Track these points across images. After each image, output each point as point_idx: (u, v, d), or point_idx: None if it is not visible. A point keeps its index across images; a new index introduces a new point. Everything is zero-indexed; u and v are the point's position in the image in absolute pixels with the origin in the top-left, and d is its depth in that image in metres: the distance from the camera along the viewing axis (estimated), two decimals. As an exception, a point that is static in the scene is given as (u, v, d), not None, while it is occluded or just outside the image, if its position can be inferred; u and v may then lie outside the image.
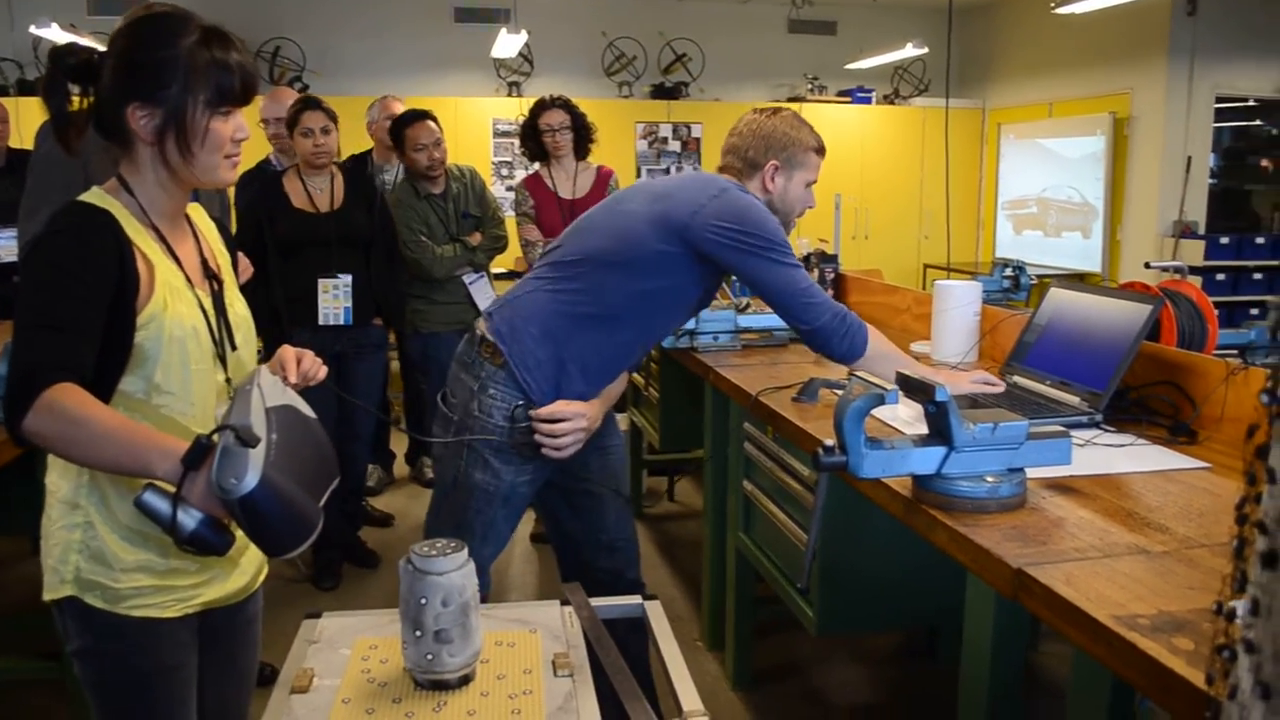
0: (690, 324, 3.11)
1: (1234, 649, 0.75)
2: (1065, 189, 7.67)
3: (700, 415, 3.17)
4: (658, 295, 2.14)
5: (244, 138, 1.47)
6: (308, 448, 1.42)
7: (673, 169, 7.75)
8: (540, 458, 2.15)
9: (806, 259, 4.17)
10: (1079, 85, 7.54)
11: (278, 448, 1.30)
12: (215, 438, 1.26)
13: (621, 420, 4.61)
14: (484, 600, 1.94)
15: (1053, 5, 5.71)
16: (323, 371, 1.60)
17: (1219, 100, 6.96)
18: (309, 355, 1.59)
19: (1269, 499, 0.63)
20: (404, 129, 3.99)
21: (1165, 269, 3.46)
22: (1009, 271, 3.96)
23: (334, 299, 3.60)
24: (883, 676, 3.17)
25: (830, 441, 1.61)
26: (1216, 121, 7.00)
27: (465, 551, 1.38)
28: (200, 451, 1.26)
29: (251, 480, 1.23)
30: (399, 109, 4.42)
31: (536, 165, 4.15)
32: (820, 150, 2.36)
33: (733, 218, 2.10)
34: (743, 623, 3.01)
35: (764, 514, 2.60)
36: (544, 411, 2.10)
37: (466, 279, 4.10)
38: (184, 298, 1.47)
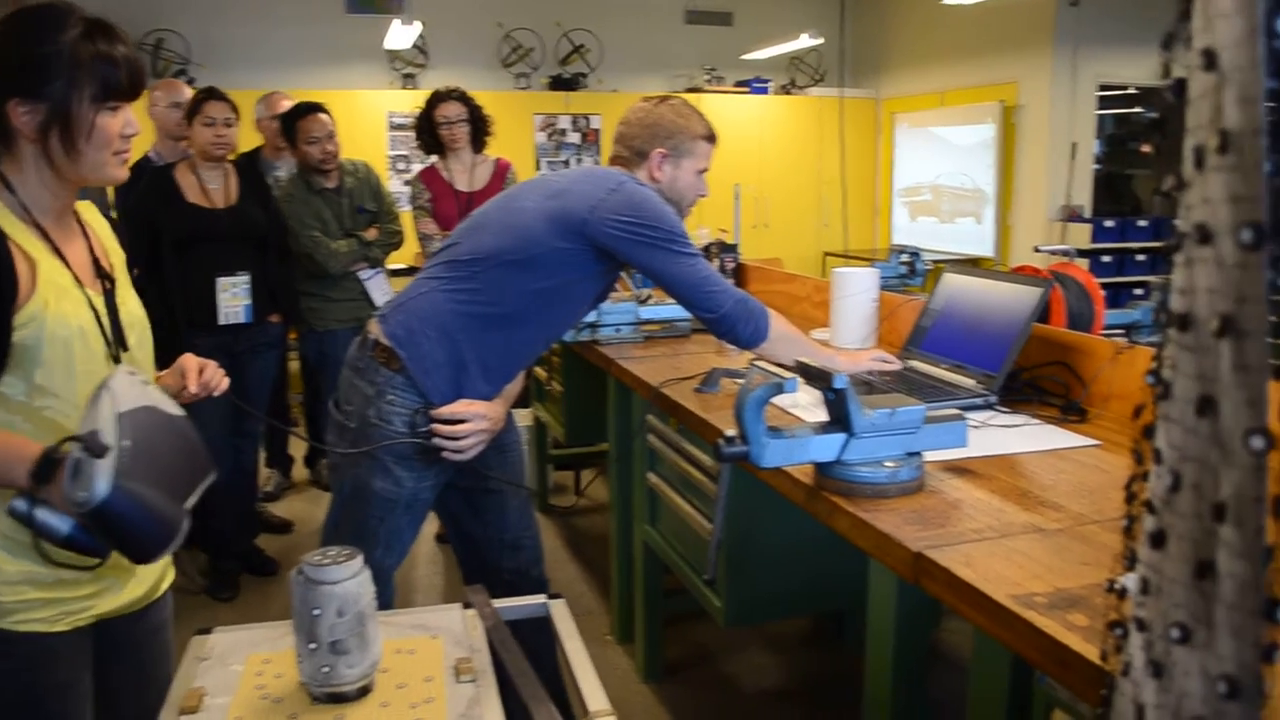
0: (591, 316, 3.09)
1: (1126, 626, 0.76)
2: (958, 176, 7.85)
3: (604, 408, 3.16)
4: (557, 292, 2.11)
5: (133, 133, 1.43)
6: (170, 448, 1.37)
7: (572, 161, 7.71)
8: (442, 461, 2.11)
9: (707, 249, 4.18)
10: (969, 75, 7.72)
11: (132, 453, 1.26)
12: (66, 448, 1.23)
13: (526, 415, 4.58)
14: (388, 608, 1.89)
15: (942, -5, 5.84)
16: (225, 383, 1.58)
17: (1102, 88, 7.20)
18: (211, 365, 1.58)
19: (1155, 479, 0.63)
20: (296, 121, 3.92)
21: (1054, 252, 3.56)
22: (905, 258, 4.03)
23: (233, 297, 3.51)
24: (793, 662, 3.20)
25: (731, 432, 1.60)
26: (1100, 109, 7.24)
27: (360, 559, 1.33)
28: (49, 464, 1.23)
29: (102, 490, 1.20)
30: (286, 105, 4.33)
31: (433, 158, 4.09)
32: (710, 137, 2.33)
33: (631, 211, 2.08)
34: (652, 615, 3.00)
35: (669, 506, 2.59)
36: (444, 412, 2.06)
37: (362, 275, 4.05)
38: (71, 297, 1.42)
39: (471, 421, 2.07)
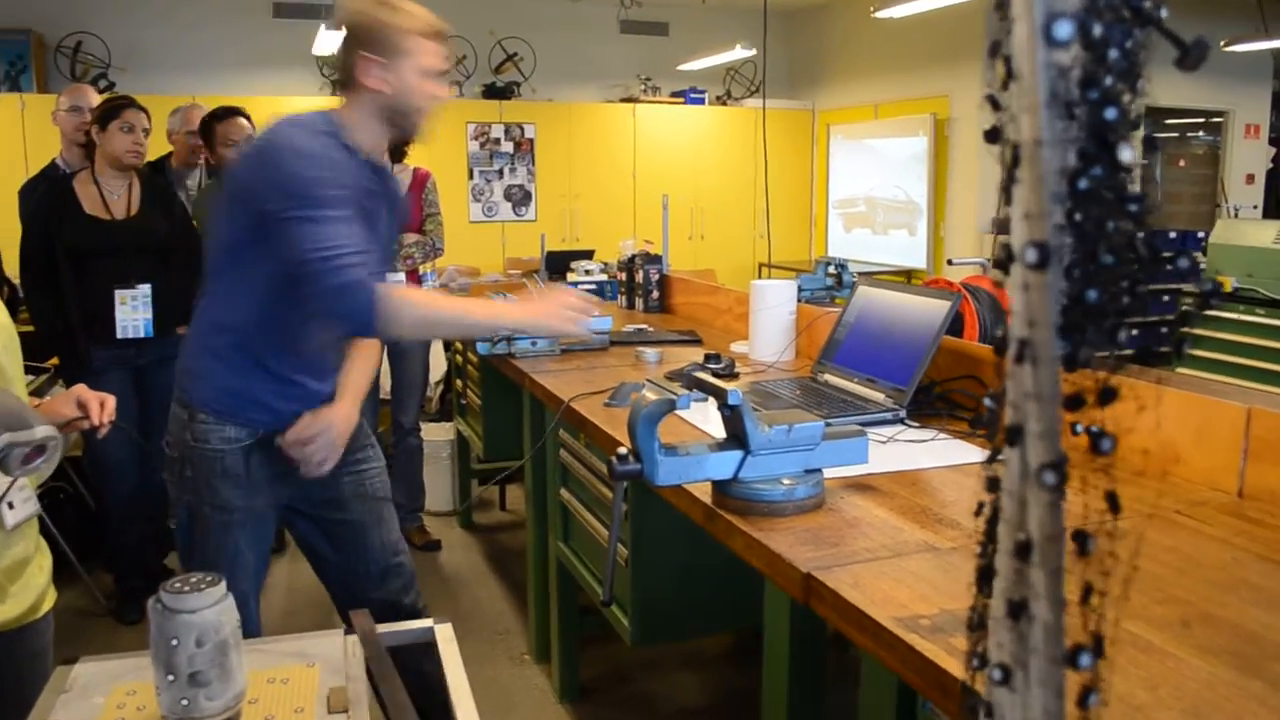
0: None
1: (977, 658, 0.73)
2: (891, 188, 7.93)
3: (520, 422, 3.12)
4: (277, 279, 1.85)
5: None
6: None
7: (505, 171, 7.67)
8: (265, 473, 2.01)
9: (631, 260, 4.19)
10: (902, 87, 7.81)
11: None
12: None
13: (447, 430, 4.53)
14: (255, 636, 1.83)
15: (873, 10, 5.88)
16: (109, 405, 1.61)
17: (1030, 102, 7.33)
18: (110, 400, 1.62)
19: (986, 508, 0.60)
20: (215, 124, 3.84)
21: (971, 264, 3.58)
22: (831, 269, 4.04)
23: (133, 310, 3.41)
24: (711, 679, 3.17)
25: (624, 449, 1.57)
26: (1028, 123, 7.37)
27: (222, 586, 1.28)
28: None
29: None
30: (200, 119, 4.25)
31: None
32: (430, 33, 1.92)
33: (255, 165, 1.82)
34: (568, 634, 2.96)
35: (581, 523, 2.56)
36: (289, 437, 1.98)
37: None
38: None
39: (319, 434, 1.98)
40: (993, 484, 0.64)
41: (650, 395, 1.58)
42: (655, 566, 2.23)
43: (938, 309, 2.27)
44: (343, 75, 1.95)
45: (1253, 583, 1.35)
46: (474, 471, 4.50)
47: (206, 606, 1.25)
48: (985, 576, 0.59)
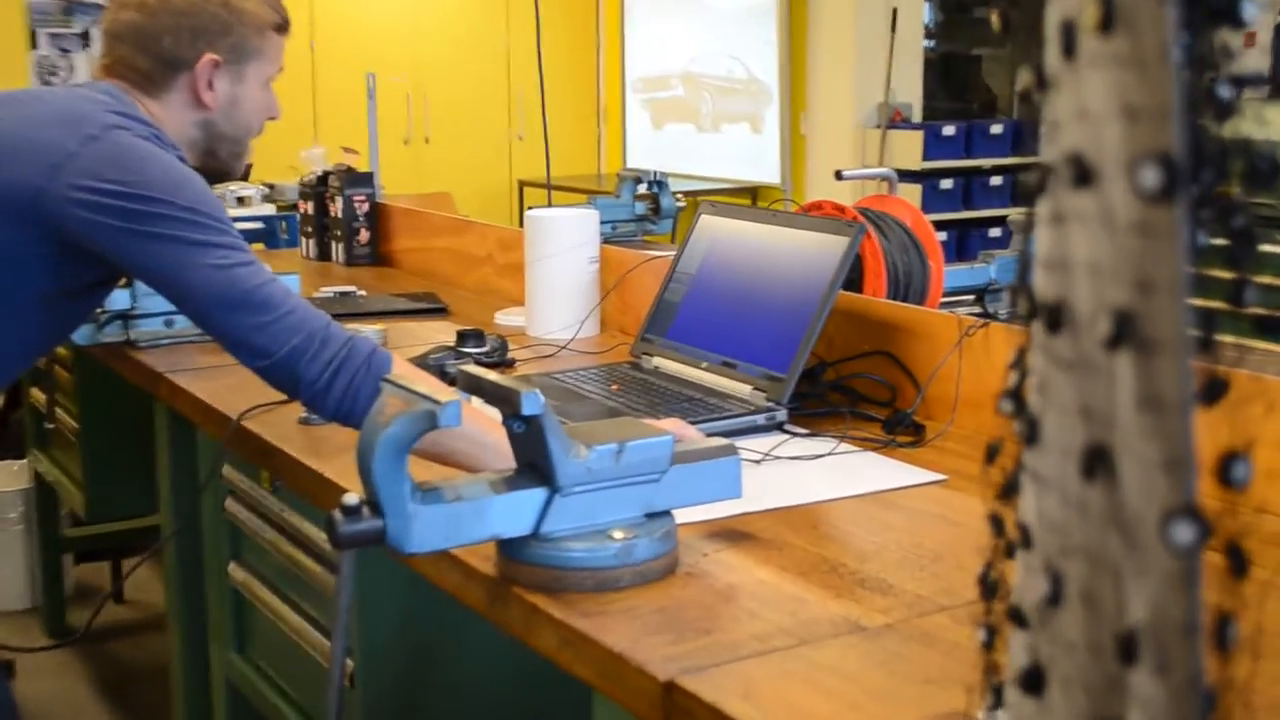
0: (123, 302, 2.94)
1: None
2: (724, 59, 8.10)
3: (152, 458, 3.07)
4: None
5: None
6: None
7: (92, 32, 7.46)
8: None
9: (323, 179, 4.19)
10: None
11: None
12: None
13: (16, 474, 4.35)
14: None
15: None
16: None
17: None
18: None
19: (1024, 574, 0.60)
20: None
21: (866, 178, 3.69)
22: (643, 188, 4.09)
23: None
24: None
25: (354, 496, 1.54)
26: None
27: None
28: None
29: None
30: None
31: None
32: (282, 25, 2.33)
33: (119, 174, 2.05)
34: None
35: (268, 621, 2.54)
36: None
37: None
38: None
39: None
40: (1025, 537, 0.64)
41: (394, 403, 1.55)
42: (404, 686, 2.23)
43: (829, 249, 2.32)
44: (151, 65, 2.22)
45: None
46: (67, 542, 4.44)
47: None
48: (1032, 681, 0.59)
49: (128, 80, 2.24)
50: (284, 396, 2.23)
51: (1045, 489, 0.55)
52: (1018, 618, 0.65)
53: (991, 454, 0.69)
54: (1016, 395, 0.59)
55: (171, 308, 3.00)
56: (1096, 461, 0.50)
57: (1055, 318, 0.51)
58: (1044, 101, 0.50)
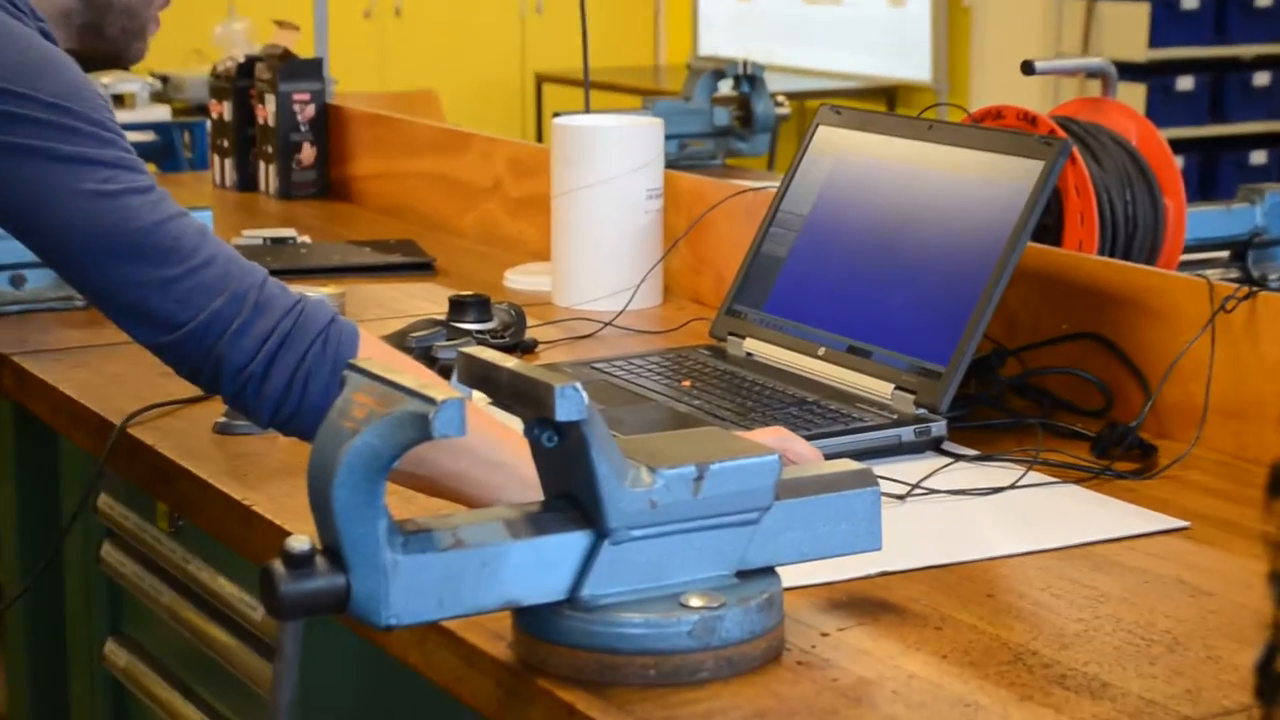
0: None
1: None
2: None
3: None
4: None
5: None
6: None
7: None
8: None
9: (246, 69, 4.17)
10: None
11: None
12: None
13: None
14: None
15: None
16: None
17: None
18: None
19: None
20: None
21: (1067, 73, 3.69)
22: (726, 87, 4.09)
23: None
24: None
25: (303, 540, 1.56)
26: None
27: None
28: None
29: None
30: None
31: None
32: None
33: None
34: None
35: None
36: None
37: None
38: None
39: None
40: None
41: (365, 401, 1.56)
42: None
43: (1009, 182, 2.32)
44: None
45: None
46: None
47: None
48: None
49: None
50: (196, 390, 2.24)
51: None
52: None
53: (1274, 484, 0.70)
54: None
55: (24, 257, 3.03)
56: None
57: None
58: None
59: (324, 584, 1.55)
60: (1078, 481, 2.15)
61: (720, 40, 8.44)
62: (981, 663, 1.67)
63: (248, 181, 4.20)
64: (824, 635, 1.72)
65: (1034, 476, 2.16)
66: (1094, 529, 2.00)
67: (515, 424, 1.67)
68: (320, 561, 1.55)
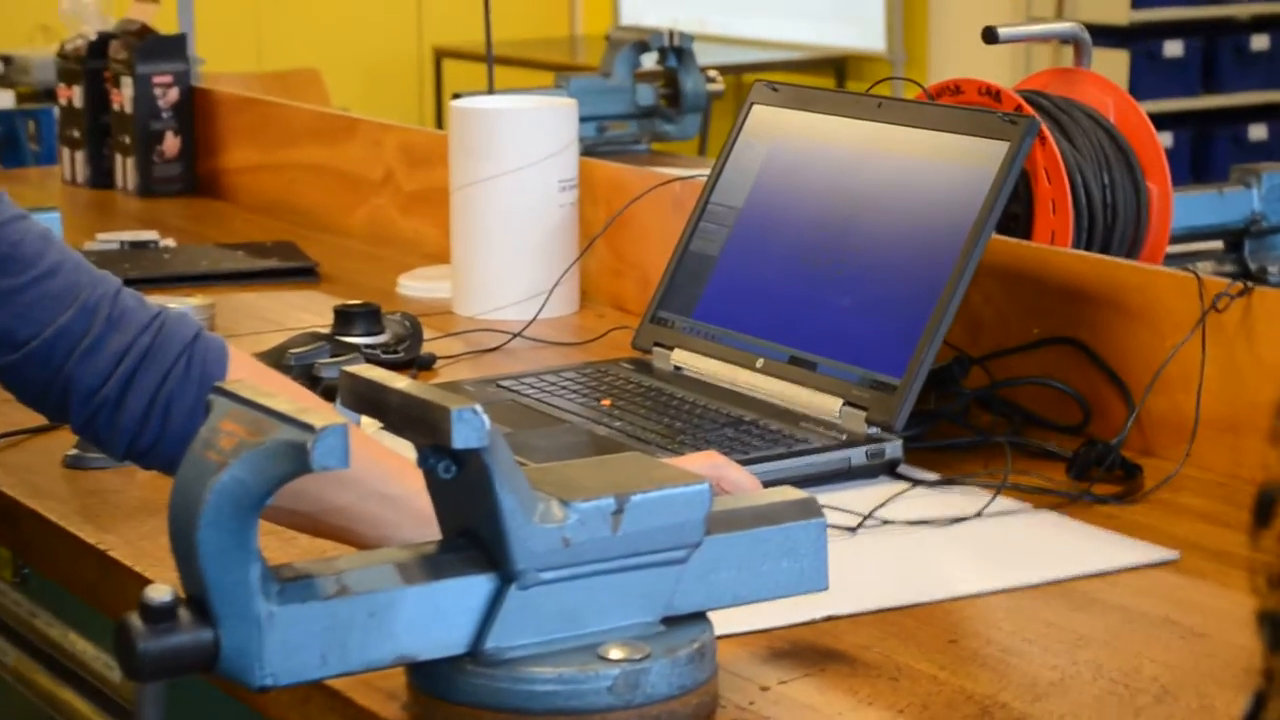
0: None
1: None
2: None
3: None
4: None
5: None
6: None
7: None
8: None
9: (99, 47, 4.19)
10: None
11: None
12: None
13: None
14: None
15: None
16: None
17: None
18: None
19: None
20: None
21: (1036, 39, 3.70)
22: (650, 61, 4.10)
23: None
24: None
25: (165, 589, 1.55)
26: None
27: None
28: None
29: None
30: None
31: None
32: None
33: None
34: None
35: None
36: None
37: None
38: None
39: None
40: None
41: (234, 430, 1.56)
42: None
43: (972, 166, 2.33)
44: None
45: None
46: None
47: None
48: None
49: None
50: (42, 418, 2.24)
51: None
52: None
53: (1263, 509, 0.70)
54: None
55: None
56: None
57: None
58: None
59: (188, 639, 1.54)
60: (1052, 508, 2.16)
61: (644, 7, 8.46)
62: (943, 718, 1.67)
63: (102, 177, 4.19)
64: (764, 689, 1.73)
65: (1002, 503, 2.17)
66: (1071, 562, 2.00)
67: (409, 452, 1.67)
68: (184, 614, 1.55)
